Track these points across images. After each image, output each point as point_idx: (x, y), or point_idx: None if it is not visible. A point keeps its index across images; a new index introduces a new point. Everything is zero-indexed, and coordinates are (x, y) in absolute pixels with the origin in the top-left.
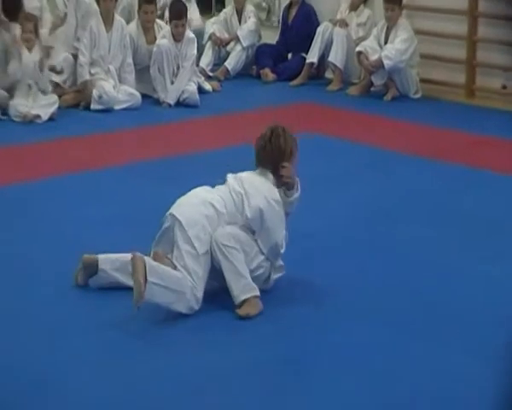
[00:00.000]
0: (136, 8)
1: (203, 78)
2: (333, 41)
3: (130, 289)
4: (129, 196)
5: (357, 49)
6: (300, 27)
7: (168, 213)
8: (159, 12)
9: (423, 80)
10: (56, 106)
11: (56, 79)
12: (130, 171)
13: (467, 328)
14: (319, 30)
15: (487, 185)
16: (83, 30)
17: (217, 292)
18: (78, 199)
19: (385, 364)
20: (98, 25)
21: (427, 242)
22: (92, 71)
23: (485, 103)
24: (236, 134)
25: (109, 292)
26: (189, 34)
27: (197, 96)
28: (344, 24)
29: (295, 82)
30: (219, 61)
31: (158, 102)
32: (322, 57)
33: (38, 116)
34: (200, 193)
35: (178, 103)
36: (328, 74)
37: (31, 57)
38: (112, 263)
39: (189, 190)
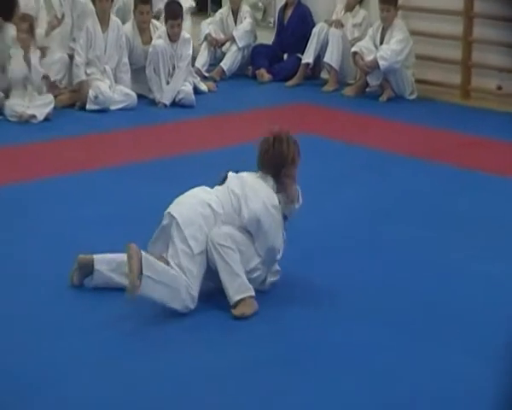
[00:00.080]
0: (132, 8)
1: (199, 78)
2: (328, 41)
3: (125, 289)
4: (125, 196)
5: (353, 49)
6: (296, 28)
7: (166, 211)
8: (154, 17)
9: (419, 81)
10: (52, 106)
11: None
12: (126, 171)
13: (466, 328)
14: (315, 30)
15: (483, 186)
16: (79, 30)
17: (213, 292)
18: (73, 199)
19: (385, 364)
20: (94, 25)
21: (426, 242)
22: (88, 71)
23: (480, 104)
24: (232, 134)
25: (105, 292)
26: (185, 34)
27: (193, 96)
28: (339, 24)
29: (291, 82)
30: (215, 61)
31: (153, 102)
32: (318, 58)
33: (34, 116)
34: (198, 193)
35: (174, 104)
36: (324, 75)
37: (28, 57)
38: (107, 264)
39: (185, 191)
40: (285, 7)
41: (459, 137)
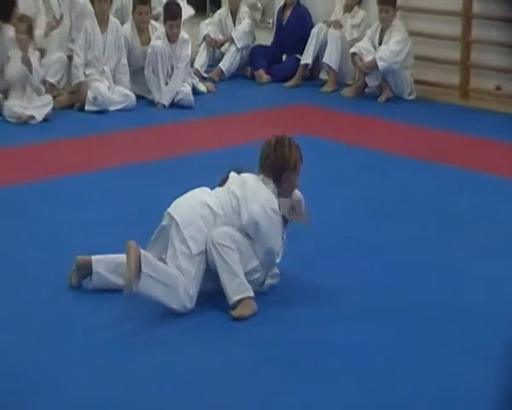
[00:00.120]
0: (130, 9)
1: (198, 79)
2: (327, 42)
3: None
4: (124, 196)
5: (352, 50)
6: (295, 28)
7: (166, 211)
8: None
9: (417, 81)
10: (51, 107)
11: (51, 79)
12: (125, 172)
13: (466, 328)
14: (313, 31)
15: (482, 186)
16: (77, 31)
17: (212, 293)
18: (72, 200)
19: (385, 364)
20: (93, 26)
21: (426, 242)
22: (87, 72)
23: (479, 104)
24: (231, 135)
25: (104, 293)
26: (184, 35)
27: (191, 97)
28: (338, 25)
29: (290, 83)
30: (214, 62)
31: (152, 103)
32: (317, 58)
33: (33, 117)
34: (198, 194)
35: (173, 104)
36: (323, 75)
37: (26, 58)
38: (106, 265)
39: (185, 191)
40: (284, 7)
41: (458, 138)
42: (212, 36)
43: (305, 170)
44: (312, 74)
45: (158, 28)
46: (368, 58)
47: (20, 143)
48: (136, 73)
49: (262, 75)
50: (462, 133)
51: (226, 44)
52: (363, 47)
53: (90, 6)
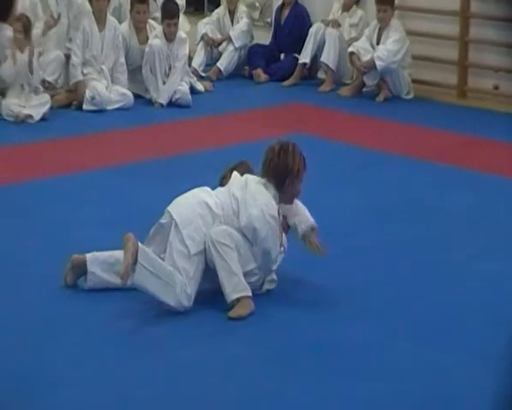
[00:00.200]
0: (127, 8)
1: (195, 78)
2: (325, 41)
3: (120, 289)
4: (121, 196)
5: (350, 49)
6: (293, 28)
7: (166, 209)
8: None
9: (415, 81)
10: (48, 106)
11: (49, 78)
12: (123, 171)
13: (467, 327)
14: (312, 30)
15: (480, 186)
16: (75, 30)
17: (211, 292)
18: (70, 200)
19: (385, 364)
20: (91, 25)
21: (426, 242)
22: (85, 71)
23: (476, 104)
24: (229, 134)
25: (103, 292)
26: (181, 34)
27: (189, 96)
28: (336, 24)
29: (288, 82)
30: (212, 61)
31: (150, 102)
32: (315, 58)
33: (30, 116)
34: (198, 193)
35: (171, 103)
36: (321, 75)
37: (23, 57)
38: (101, 264)
39: (182, 191)
40: (282, 7)
41: (456, 137)
42: (210, 35)
43: None
44: (310, 74)
45: (156, 27)
46: (366, 57)
47: (18, 143)
48: (134, 72)
49: (260, 74)
50: (460, 133)
51: (224, 43)
52: (361, 46)
53: (87, 5)
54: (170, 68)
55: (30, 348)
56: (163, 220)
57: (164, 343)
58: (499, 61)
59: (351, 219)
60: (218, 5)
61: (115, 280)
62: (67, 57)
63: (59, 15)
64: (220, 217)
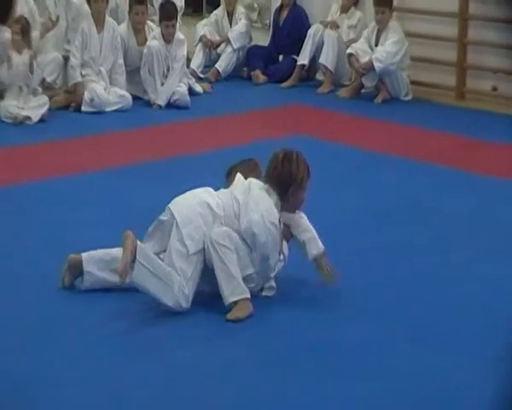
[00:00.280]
0: (124, 9)
1: (194, 79)
2: (324, 43)
3: (118, 289)
4: (120, 197)
5: (348, 51)
6: (291, 29)
7: (167, 205)
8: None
9: (414, 82)
10: (47, 107)
11: (47, 79)
12: (121, 172)
13: (467, 329)
14: (310, 32)
15: (478, 188)
16: (73, 32)
17: (209, 293)
18: (68, 201)
19: (385, 364)
20: (89, 26)
21: (425, 244)
22: (83, 72)
23: (475, 105)
24: (227, 136)
25: (97, 293)
26: (179, 35)
27: (188, 97)
28: (335, 26)
29: (286, 84)
30: (210, 62)
31: (148, 103)
32: (313, 59)
33: (29, 117)
34: (199, 194)
35: (169, 105)
36: (319, 76)
37: (21, 59)
38: (97, 263)
39: (180, 193)
40: (280, 8)
41: (454, 139)
42: (209, 36)
43: None
44: (309, 75)
45: (154, 29)
46: (364, 59)
47: (16, 144)
48: (132, 73)
49: (258, 76)
50: (459, 134)
51: (222, 45)
52: (360, 48)
53: (86, 6)
54: (168, 70)
55: (27, 349)
56: (163, 217)
57: (161, 344)
58: (498, 62)
59: (349, 221)
60: (216, 7)
61: (112, 278)
62: (66, 59)
63: (57, 18)
64: (221, 218)
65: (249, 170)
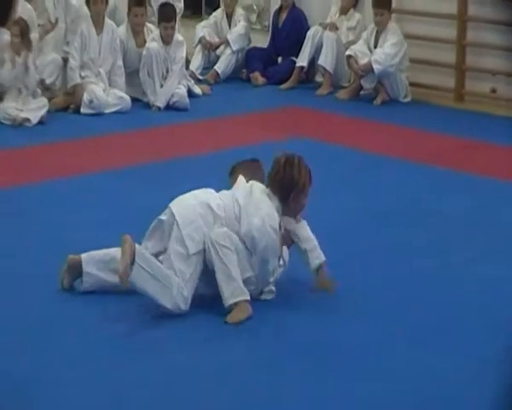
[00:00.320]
0: (123, 11)
1: (193, 81)
2: (323, 45)
3: (117, 291)
4: (119, 199)
5: (347, 52)
6: (290, 31)
7: (168, 205)
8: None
9: (413, 84)
10: (46, 109)
11: (47, 80)
12: (120, 174)
13: (466, 330)
14: (309, 33)
15: (477, 189)
16: (73, 34)
17: (208, 295)
18: (67, 203)
19: (384, 365)
20: (89, 28)
21: (424, 245)
22: (82, 74)
23: (474, 107)
24: (226, 138)
25: (96, 294)
26: (178, 37)
27: (187, 99)
28: (334, 28)
29: (285, 86)
30: (209, 64)
31: (148, 105)
32: (312, 61)
33: (28, 119)
34: (199, 194)
35: (168, 107)
36: (318, 78)
37: (20, 61)
38: (96, 263)
39: (180, 194)
40: (279, 10)
41: (453, 141)
42: (208, 38)
43: None
44: (308, 77)
45: (153, 30)
46: (363, 61)
47: (16, 146)
48: (132, 75)
49: (257, 77)
50: (458, 136)
51: (222, 47)
52: (359, 50)
53: (85, 8)
54: (167, 71)
55: (27, 349)
56: (163, 217)
57: (160, 346)
58: (497, 64)
59: (348, 222)
60: (215, 8)
61: (112, 279)
62: (65, 61)
63: (56, 20)
64: (222, 219)
65: (252, 172)
